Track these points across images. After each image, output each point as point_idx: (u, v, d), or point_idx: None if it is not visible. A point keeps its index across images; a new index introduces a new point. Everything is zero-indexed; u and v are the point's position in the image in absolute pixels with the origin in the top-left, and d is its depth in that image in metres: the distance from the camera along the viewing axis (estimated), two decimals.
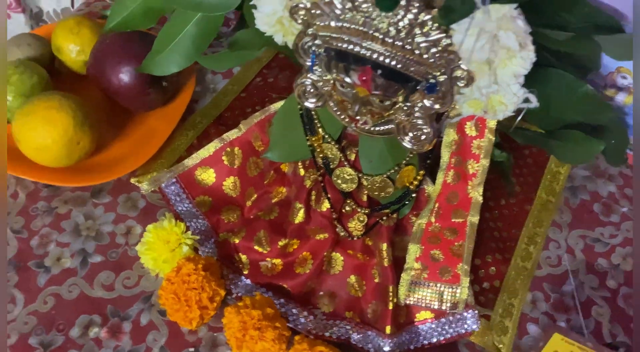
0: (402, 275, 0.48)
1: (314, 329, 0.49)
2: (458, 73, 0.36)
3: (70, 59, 0.61)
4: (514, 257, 0.54)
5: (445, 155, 0.45)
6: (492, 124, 0.44)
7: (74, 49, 0.60)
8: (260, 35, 0.44)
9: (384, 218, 0.48)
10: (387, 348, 0.47)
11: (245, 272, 0.51)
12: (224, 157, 0.55)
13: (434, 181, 0.48)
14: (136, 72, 0.55)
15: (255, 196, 0.54)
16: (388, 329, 0.47)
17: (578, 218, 0.58)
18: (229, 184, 0.55)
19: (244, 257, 0.52)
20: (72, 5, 1.01)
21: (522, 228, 0.56)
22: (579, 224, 0.57)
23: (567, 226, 0.57)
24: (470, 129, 0.45)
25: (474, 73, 0.36)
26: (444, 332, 0.49)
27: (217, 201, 0.55)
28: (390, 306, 0.48)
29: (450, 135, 0.45)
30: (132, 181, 0.57)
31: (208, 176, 0.56)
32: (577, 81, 0.46)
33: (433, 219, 0.46)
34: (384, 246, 0.48)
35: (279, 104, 0.52)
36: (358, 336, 0.48)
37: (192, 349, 0.48)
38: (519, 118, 0.39)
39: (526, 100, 0.37)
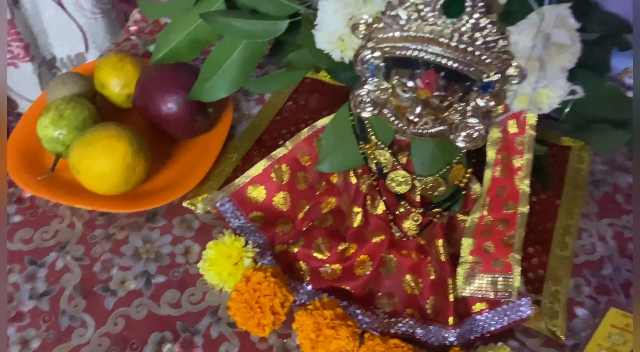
0: (457, 269, 0.51)
1: (378, 328, 0.51)
2: (511, 71, 0.40)
3: (114, 94, 0.64)
4: (553, 248, 0.58)
5: (491, 153, 0.49)
6: (532, 120, 0.49)
7: (117, 84, 0.64)
8: (313, 54, 0.48)
9: (437, 216, 0.52)
10: (451, 339, 0.50)
11: (307, 279, 0.54)
12: (272, 175, 0.59)
13: (479, 179, 0.52)
14: (186, 99, 0.59)
15: (308, 207, 0.57)
16: (451, 320, 0.50)
17: (604, 208, 0.62)
18: (279, 199, 0.58)
19: (303, 265, 0.54)
20: (86, 50, 1.05)
21: (555, 220, 0.60)
22: (606, 214, 0.62)
23: (596, 216, 0.61)
24: (512, 127, 0.49)
25: (526, 70, 0.40)
26: (501, 320, 0.52)
27: (270, 215, 0.58)
28: (451, 298, 0.50)
29: (494, 134, 0.49)
30: (185, 204, 0.60)
31: (259, 193, 0.59)
32: (601, 79, 0.51)
33: (485, 212, 0.50)
34: (440, 241, 0.51)
35: (325, 120, 0.56)
36: (421, 331, 0.51)
37: None
38: (567, 109, 0.43)
39: (571, 92, 0.42)
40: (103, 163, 0.55)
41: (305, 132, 0.57)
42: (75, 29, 1.01)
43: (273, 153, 0.59)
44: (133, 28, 0.80)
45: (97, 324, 0.52)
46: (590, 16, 0.51)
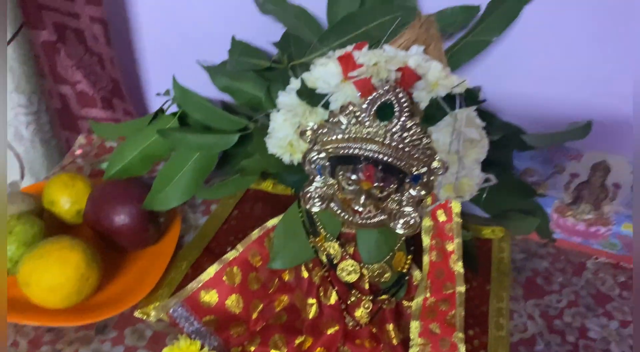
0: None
1: None
2: (435, 164, 0.48)
3: (64, 210, 0.66)
4: (490, 329, 0.63)
5: (426, 239, 0.55)
6: (457, 209, 0.56)
7: (68, 201, 0.66)
8: (264, 159, 0.55)
9: (386, 303, 0.56)
10: None
11: None
12: (224, 278, 0.61)
13: (417, 264, 0.58)
14: (138, 210, 0.61)
15: (262, 306, 0.59)
16: None
17: (528, 291, 0.69)
18: (232, 301, 0.60)
19: None
20: (22, 178, 1.05)
21: (488, 304, 0.66)
22: (530, 296, 0.68)
23: (522, 298, 0.68)
24: (441, 216, 0.56)
25: (447, 162, 0.48)
26: None
27: (223, 318, 0.59)
28: None
29: (427, 222, 0.56)
30: (137, 313, 0.60)
31: (211, 297, 0.60)
32: (509, 173, 0.60)
33: (428, 294, 0.55)
34: (391, 326, 0.55)
35: (275, 220, 0.61)
36: None
37: None
38: (485, 194, 0.51)
39: (486, 180, 0.50)
40: (56, 274, 0.55)
41: (255, 234, 0.61)
42: (12, 158, 1.02)
43: (224, 256, 0.61)
44: (78, 151, 0.83)
45: None
46: (490, 122, 0.61)
